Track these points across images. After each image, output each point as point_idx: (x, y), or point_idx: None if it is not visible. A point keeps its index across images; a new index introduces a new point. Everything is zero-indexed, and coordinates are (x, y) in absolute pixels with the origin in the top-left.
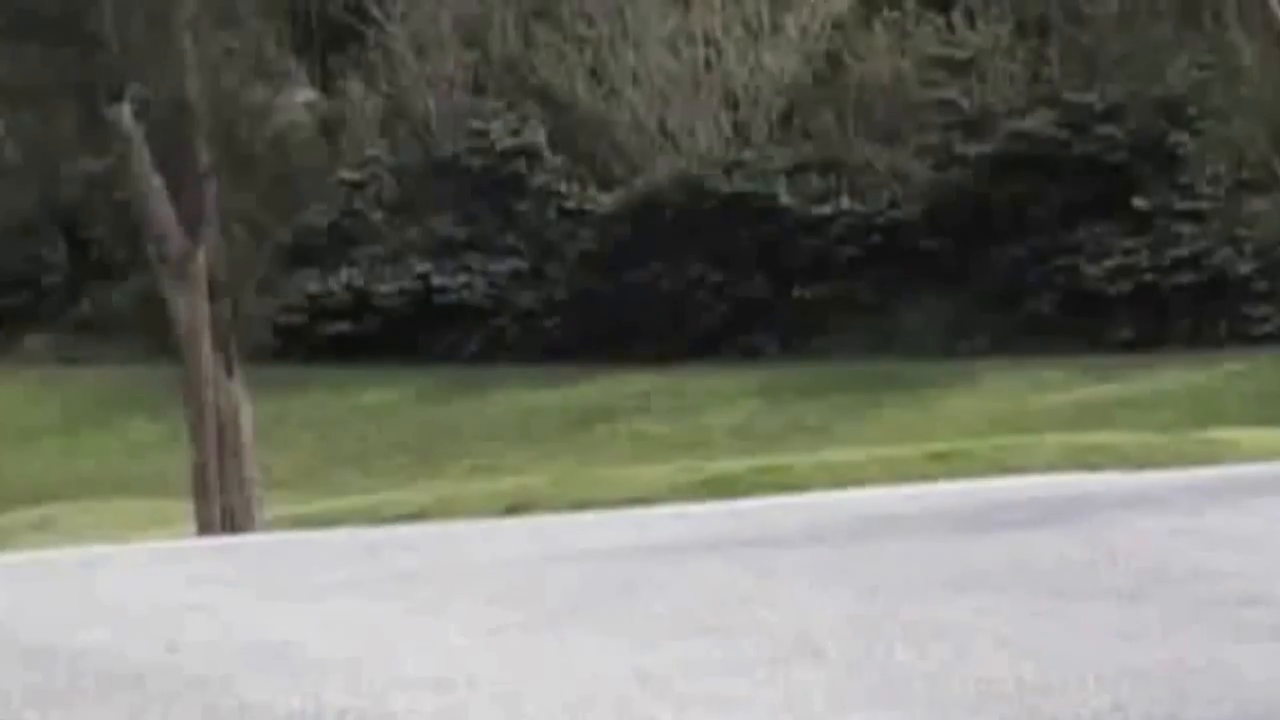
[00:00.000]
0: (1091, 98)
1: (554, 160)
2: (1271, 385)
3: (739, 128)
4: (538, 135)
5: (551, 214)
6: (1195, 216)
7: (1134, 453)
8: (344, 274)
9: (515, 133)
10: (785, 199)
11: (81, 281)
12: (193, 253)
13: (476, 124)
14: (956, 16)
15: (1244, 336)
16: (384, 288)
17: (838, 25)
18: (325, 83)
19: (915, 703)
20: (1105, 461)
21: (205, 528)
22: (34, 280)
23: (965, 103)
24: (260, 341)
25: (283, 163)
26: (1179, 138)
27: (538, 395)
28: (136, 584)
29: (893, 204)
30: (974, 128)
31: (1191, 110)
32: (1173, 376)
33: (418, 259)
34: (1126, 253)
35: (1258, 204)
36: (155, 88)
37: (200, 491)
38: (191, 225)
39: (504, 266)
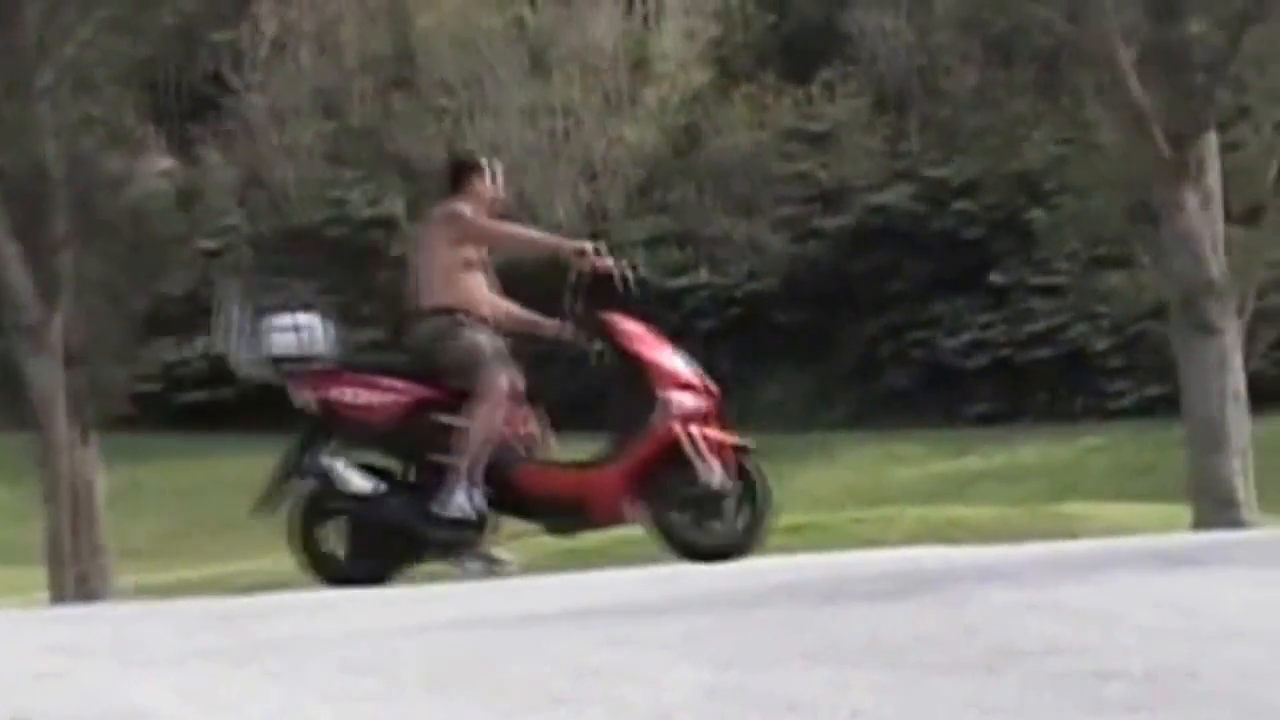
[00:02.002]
0: (949, 172)
1: (412, 230)
2: (1127, 459)
3: (597, 199)
4: (396, 205)
5: (411, 285)
6: (1052, 292)
7: (990, 526)
8: (200, 343)
9: (373, 203)
10: (642, 271)
11: None
12: (49, 321)
13: (335, 193)
14: (815, 90)
15: (1100, 411)
16: None
17: (696, 98)
18: (183, 151)
19: None
20: (961, 535)
21: (59, 595)
22: None
23: (823, 176)
24: (117, 410)
25: (140, 231)
26: (1036, 213)
27: None
28: None
29: (750, 276)
30: (832, 201)
31: (1049, 186)
32: (1029, 450)
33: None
34: (983, 327)
35: (1114, 279)
36: (12, 155)
37: (54, 559)
38: (48, 293)
39: (362, 337)
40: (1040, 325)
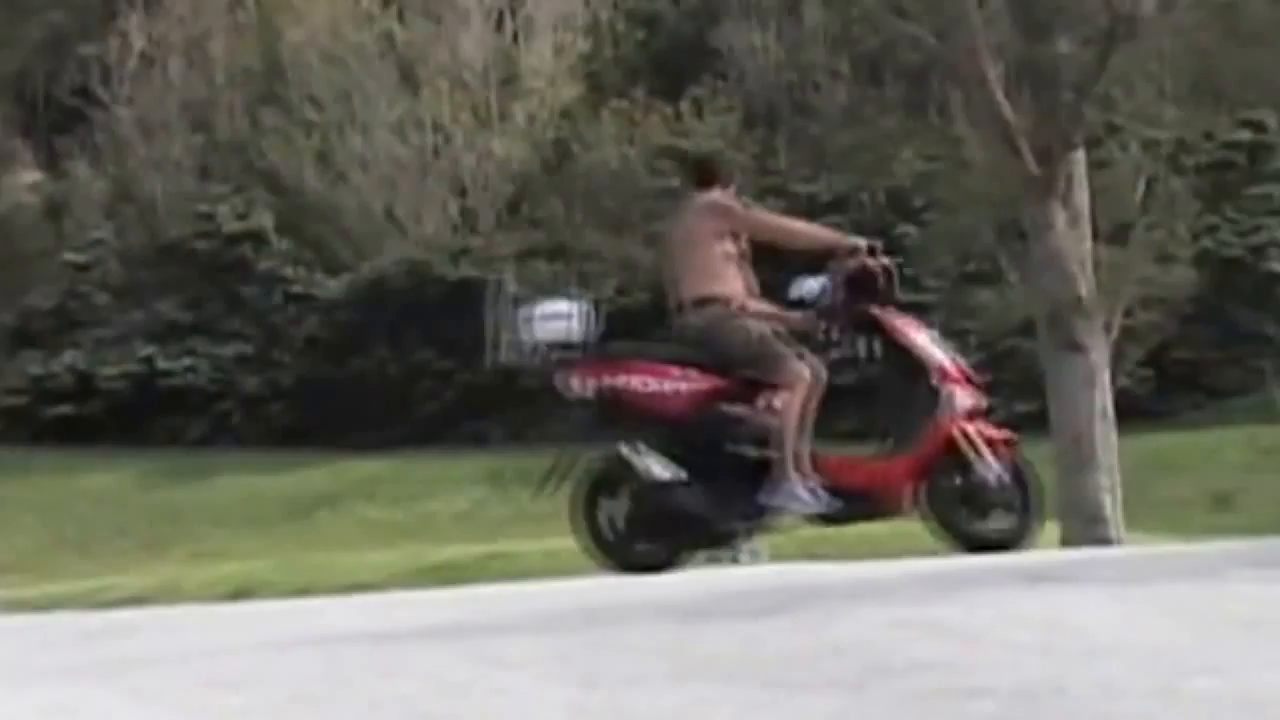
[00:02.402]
0: (818, 189)
1: (281, 245)
2: None
3: (467, 214)
4: (265, 220)
5: (278, 298)
6: (921, 308)
7: (859, 544)
8: (68, 356)
9: (242, 217)
10: (512, 286)
11: None
12: None
13: (203, 208)
14: (685, 106)
15: None
16: (108, 370)
17: (566, 114)
18: (51, 165)
19: None
20: (830, 552)
21: None
22: None
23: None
24: None
25: (7, 245)
26: (905, 229)
27: (263, 480)
28: None
29: (620, 292)
30: None
31: (918, 202)
32: None
33: (142, 342)
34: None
35: (982, 296)
36: None
37: None
38: None
39: (229, 351)
40: None
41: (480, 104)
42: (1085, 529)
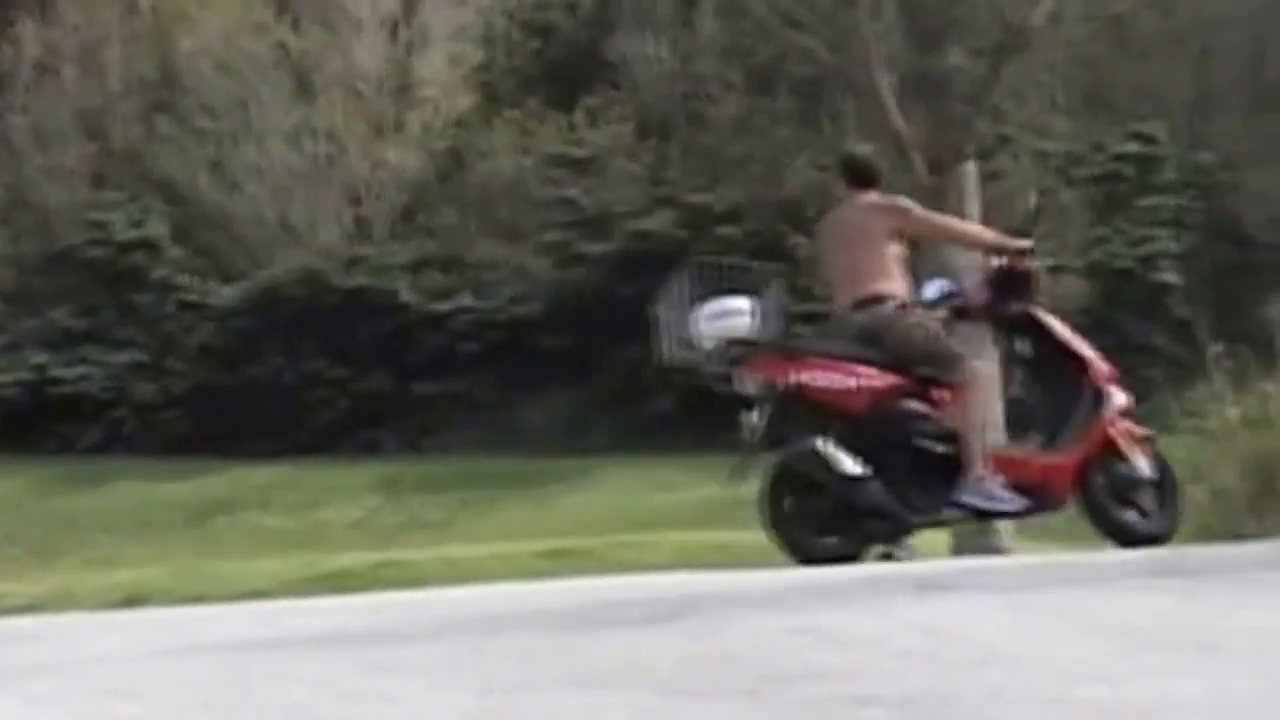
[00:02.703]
0: (711, 199)
1: (175, 253)
2: None
3: (361, 223)
4: (159, 228)
5: (171, 306)
6: (812, 318)
7: (751, 552)
8: None
9: (136, 225)
10: (406, 295)
11: None
12: None
13: (96, 216)
14: (579, 116)
15: None
16: (0, 379)
17: (460, 123)
18: None
19: None
20: (723, 560)
21: None
22: None
23: (587, 202)
24: None
25: None
26: (798, 240)
27: (156, 488)
28: None
29: (514, 301)
30: (595, 226)
31: (811, 213)
32: None
33: (35, 350)
34: None
35: None
36: None
37: None
38: None
39: (123, 358)
40: None
41: (375, 113)
42: (975, 537)
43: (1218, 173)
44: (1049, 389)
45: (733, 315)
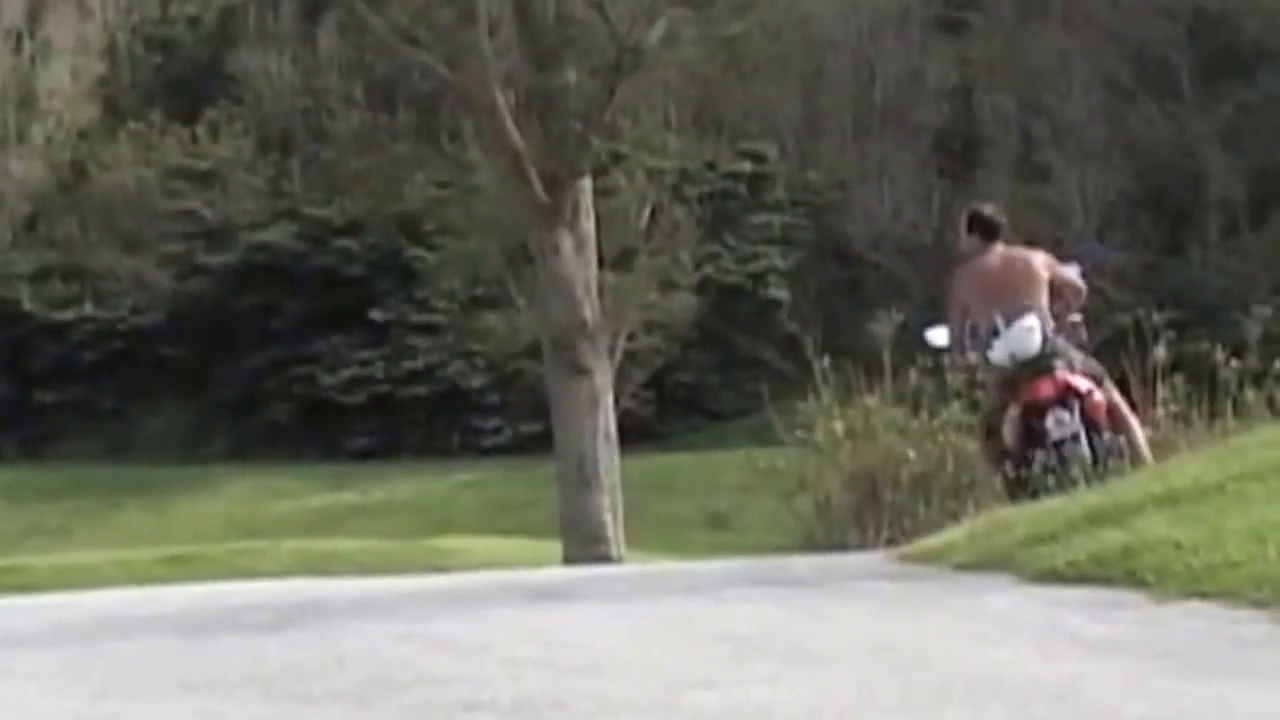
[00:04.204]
0: (331, 212)
1: None
2: (499, 495)
3: None
4: None
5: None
6: (430, 330)
7: (366, 559)
8: None
9: None
10: (28, 304)
11: None
12: None
13: None
14: (201, 129)
15: (475, 447)
16: None
17: (84, 135)
18: None
19: None
20: (338, 568)
21: None
22: None
23: (208, 213)
24: None
25: None
26: (416, 253)
27: None
28: None
29: (135, 311)
30: (216, 238)
31: (429, 227)
32: (406, 485)
33: None
34: (363, 364)
35: (490, 319)
36: None
37: None
38: None
39: None
40: (419, 363)
41: None
42: (587, 548)
43: (826, 192)
44: None
45: (1027, 334)
